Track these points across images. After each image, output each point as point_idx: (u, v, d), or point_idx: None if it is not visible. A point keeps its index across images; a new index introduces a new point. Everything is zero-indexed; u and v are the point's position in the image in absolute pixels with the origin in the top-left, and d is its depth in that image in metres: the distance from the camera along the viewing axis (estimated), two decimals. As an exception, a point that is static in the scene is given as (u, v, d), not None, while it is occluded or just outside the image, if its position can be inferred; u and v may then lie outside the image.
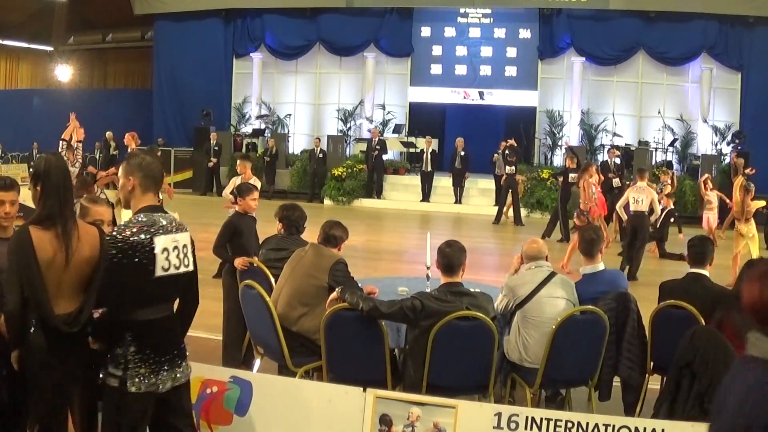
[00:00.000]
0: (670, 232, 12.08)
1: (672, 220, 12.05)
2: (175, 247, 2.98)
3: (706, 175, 13.48)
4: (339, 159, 18.93)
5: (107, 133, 19.75)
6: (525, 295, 4.44)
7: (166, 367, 2.96)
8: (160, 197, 3.33)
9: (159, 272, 2.91)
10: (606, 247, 12.19)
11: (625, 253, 9.92)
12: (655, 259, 11.48)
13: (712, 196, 12.33)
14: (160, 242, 2.92)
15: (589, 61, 19.29)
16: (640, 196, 9.86)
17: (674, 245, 11.49)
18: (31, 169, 3.15)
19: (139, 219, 2.93)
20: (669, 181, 12.71)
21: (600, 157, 18.06)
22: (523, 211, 15.90)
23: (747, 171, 13.57)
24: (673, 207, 12.33)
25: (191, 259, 3.08)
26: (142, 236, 2.88)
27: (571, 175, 13.31)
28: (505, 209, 15.53)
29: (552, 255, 5.57)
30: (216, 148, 18.85)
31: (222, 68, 21.69)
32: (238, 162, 9.11)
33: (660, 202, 12.01)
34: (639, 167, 12.02)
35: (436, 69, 20.56)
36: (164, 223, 2.97)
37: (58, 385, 2.94)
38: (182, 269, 3.02)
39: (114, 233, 2.91)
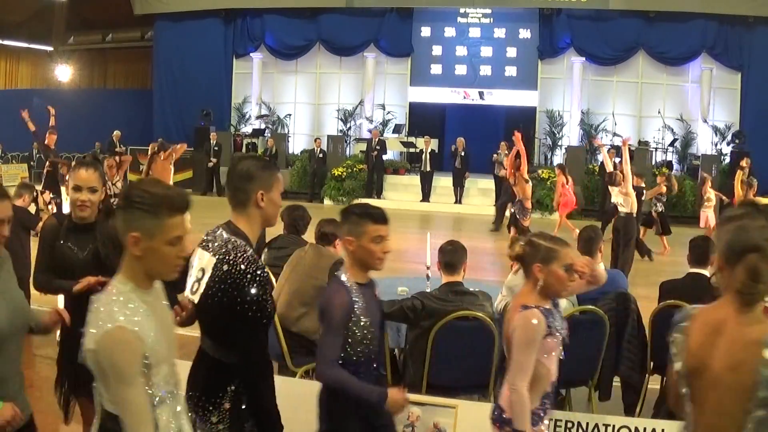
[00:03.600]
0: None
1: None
2: None
3: (707, 175, 13.41)
4: (339, 159, 18.93)
5: (115, 132, 19.75)
6: (525, 295, 4.43)
7: None
8: None
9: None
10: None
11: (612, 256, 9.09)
12: (656, 259, 11.45)
13: (711, 194, 12.29)
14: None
15: (589, 61, 19.28)
16: (618, 200, 9.31)
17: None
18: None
19: None
20: (665, 184, 12.06)
21: (600, 157, 18.06)
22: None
23: (742, 163, 13.46)
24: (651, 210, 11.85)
25: None
26: None
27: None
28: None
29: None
30: (216, 148, 18.85)
31: (222, 68, 21.69)
32: None
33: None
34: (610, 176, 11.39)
35: (436, 69, 20.55)
36: None
37: None
38: None
39: None
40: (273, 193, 2.55)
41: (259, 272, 2.43)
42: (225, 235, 2.49)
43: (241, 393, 2.47)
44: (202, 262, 2.48)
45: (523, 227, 9.94)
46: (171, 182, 8.34)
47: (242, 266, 2.41)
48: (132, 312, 1.96)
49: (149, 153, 8.35)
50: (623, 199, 9.34)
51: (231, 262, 2.42)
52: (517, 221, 10.22)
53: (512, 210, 10.49)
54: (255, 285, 2.41)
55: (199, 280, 2.47)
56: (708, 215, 12.11)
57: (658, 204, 12.03)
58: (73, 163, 3.55)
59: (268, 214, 2.57)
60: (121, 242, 2.04)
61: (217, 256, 2.44)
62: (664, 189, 12.06)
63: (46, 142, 12.68)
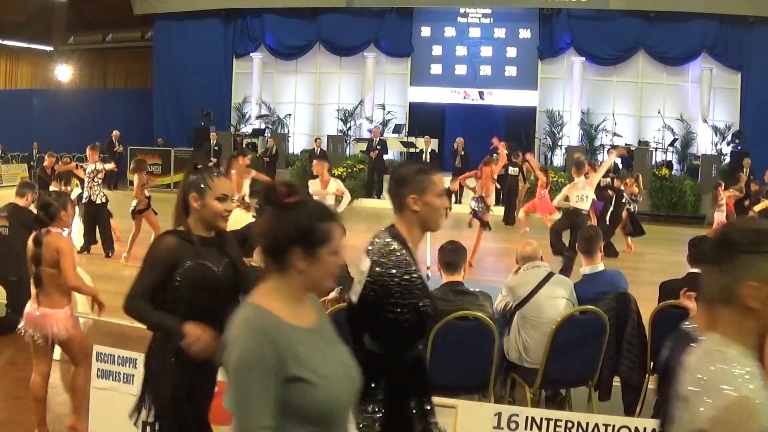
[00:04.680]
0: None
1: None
2: None
3: (721, 182, 13.67)
4: (339, 159, 18.93)
5: (114, 132, 19.77)
6: (524, 295, 4.44)
7: None
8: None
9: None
10: None
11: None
12: (655, 259, 11.46)
13: (724, 200, 12.70)
14: None
15: (589, 61, 19.29)
16: (583, 193, 9.40)
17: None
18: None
19: None
20: (636, 185, 12.28)
21: (600, 157, 18.09)
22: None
23: (743, 175, 13.68)
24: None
25: None
26: None
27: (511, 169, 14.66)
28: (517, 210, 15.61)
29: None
30: (216, 148, 18.85)
31: (222, 68, 21.70)
32: (315, 162, 8.65)
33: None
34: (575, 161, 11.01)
35: (436, 69, 20.56)
36: None
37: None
38: None
39: None
40: (427, 197, 2.59)
41: (407, 277, 2.50)
42: (384, 240, 2.57)
43: (392, 385, 2.56)
44: (363, 266, 2.57)
45: (484, 222, 9.99)
46: (246, 189, 7.83)
47: (393, 270, 2.49)
48: (750, 380, 1.60)
49: (229, 157, 8.13)
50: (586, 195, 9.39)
51: (383, 265, 2.50)
52: (477, 215, 10.08)
53: (474, 206, 10.19)
54: (401, 288, 2.48)
55: (359, 282, 2.57)
56: (721, 218, 12.57)
57: (631, 205, 12.22)
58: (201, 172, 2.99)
59: (425, 217, 2.61)
60: (729, 295, 1.66)
61: (372, 259, 2.53)
62: (636, 189, 12.32)
63: (45, 164, 13.12)
